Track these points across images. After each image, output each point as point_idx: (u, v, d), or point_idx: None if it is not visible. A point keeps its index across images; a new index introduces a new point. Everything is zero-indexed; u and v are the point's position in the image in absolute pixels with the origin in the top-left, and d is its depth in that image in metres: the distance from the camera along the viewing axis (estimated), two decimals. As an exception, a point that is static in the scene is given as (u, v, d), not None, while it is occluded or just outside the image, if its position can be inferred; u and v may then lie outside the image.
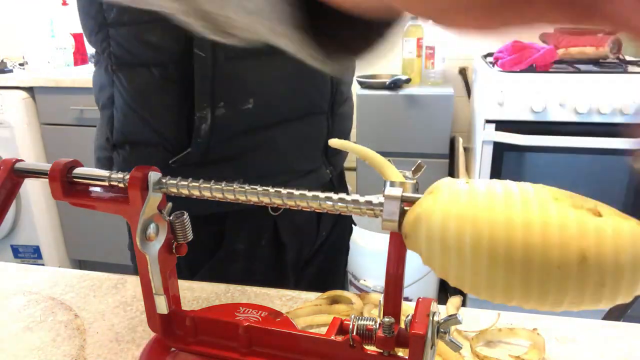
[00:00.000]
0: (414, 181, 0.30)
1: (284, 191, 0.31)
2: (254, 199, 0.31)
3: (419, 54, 2.21)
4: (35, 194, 2.15)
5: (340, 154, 0.82)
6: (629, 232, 0.23)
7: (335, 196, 0.30)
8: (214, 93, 0.62)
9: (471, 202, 0.25)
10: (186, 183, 0.32)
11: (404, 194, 0.28)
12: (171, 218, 0.34)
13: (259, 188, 0.31)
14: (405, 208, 0.28)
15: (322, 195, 0.30)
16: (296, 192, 0.30)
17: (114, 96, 0.65)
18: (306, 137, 0.72)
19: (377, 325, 0.32)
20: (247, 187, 0.31)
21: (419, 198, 0.28)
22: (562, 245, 0.23)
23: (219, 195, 0.32)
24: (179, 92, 0.61)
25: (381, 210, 0.28)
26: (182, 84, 0.61)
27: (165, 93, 0.62)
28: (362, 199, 0.29)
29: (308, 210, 0.30)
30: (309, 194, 0.30)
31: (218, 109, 0.61)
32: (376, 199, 0.29)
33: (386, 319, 0.31)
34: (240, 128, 0.64)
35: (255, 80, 0.65)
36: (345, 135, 0.83)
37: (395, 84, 2.07)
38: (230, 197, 0.32)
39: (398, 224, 0.28)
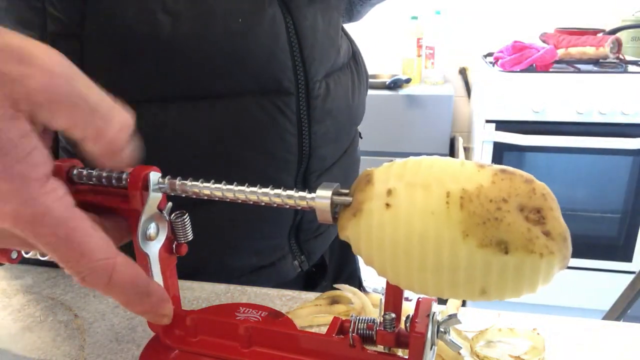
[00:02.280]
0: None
1: (271, 191, 0.31)
2: (253, 198, 0.31)
3: (419, 54, 2.21)
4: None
5: (323, 235, 0.58)
6: (530, 268, 0.26)
7: (272, 191, 0.30)
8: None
9: (391, 232, 0.27)
10: (186, 182, 0.32)
11: (335, 196, 0.29)
12: (172, 217, 0.34)
13: (259, 189, 0.31)
14: (343, 200, 0.29)
15: (273, 191, 0.30)
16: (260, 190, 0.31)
17: None
18: (256, 217, 0.49)
19: (377, 325, 0.32)
20: (246, 187, 0.31)
21: (351, 200, 0.29)
22: (467, 285, 0.27)
23: (218, 194, 0.32)
24: None
25: (316, 203, 0.29)
26: None
27: None
28: (297, 194, 0.30)
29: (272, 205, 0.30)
30: (268, 190, 0.30)
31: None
32: (310, 194, 0.29)
33: (387, 315, 0.32)
34: None
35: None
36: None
37: (395, 84, 2.07)
38: (230, 195, 0.32)
39: (333, 219, 0.29)
